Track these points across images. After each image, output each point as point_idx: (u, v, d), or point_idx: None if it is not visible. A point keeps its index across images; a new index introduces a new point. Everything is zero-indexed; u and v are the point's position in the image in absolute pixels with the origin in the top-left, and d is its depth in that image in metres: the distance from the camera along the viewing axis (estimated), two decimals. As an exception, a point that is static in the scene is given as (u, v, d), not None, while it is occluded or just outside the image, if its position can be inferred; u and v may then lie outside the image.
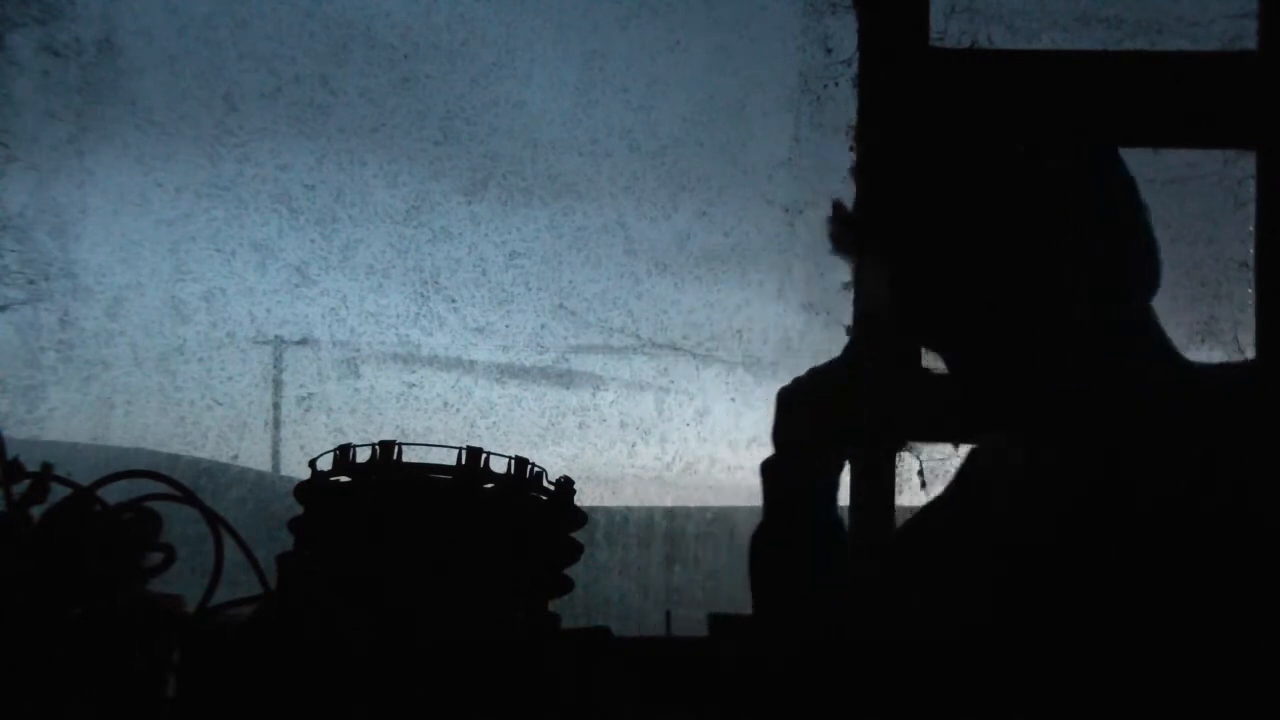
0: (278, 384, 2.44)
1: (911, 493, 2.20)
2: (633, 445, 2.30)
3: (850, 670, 1.37)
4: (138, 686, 1.49)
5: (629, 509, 2.32)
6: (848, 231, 1.44)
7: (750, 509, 1.56)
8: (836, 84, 2.23)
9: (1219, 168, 2.19)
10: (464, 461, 1.41)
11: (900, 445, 2.19)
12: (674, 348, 2.32)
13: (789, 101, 2.21)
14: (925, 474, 2.20)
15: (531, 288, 2.34)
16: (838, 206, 1.44)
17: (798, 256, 2.23)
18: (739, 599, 2.26)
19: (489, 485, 1.42)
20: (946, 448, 2.20)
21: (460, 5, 2.32)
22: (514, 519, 1.42)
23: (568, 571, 1.47)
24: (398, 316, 2.33)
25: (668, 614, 2.02)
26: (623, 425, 2.30)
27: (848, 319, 2.20)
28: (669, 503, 2.32)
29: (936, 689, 1.31)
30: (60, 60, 2.34)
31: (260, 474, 2.41)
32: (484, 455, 1.42)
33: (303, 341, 2.37)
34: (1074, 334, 1.31)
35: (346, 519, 1.42)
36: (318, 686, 1.35)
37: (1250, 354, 2.17)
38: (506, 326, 2.34)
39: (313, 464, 1.45)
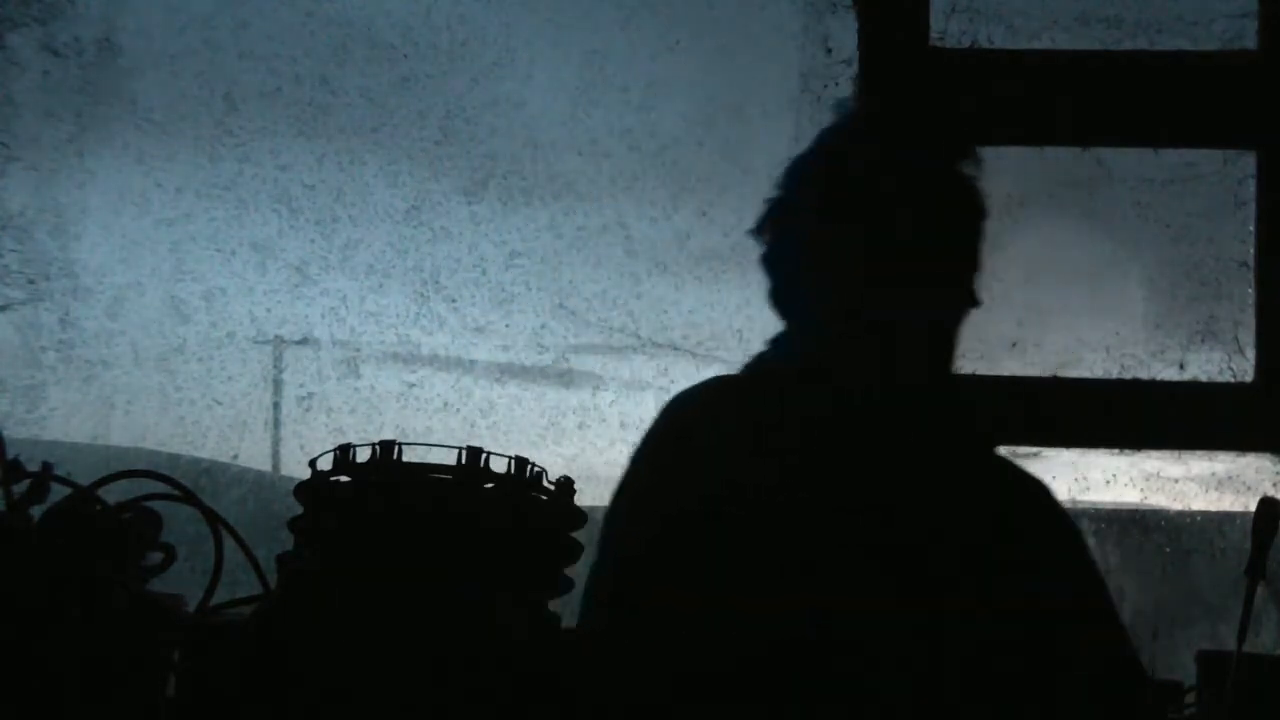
0: (278, 384, 2.44)
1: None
2: (633, 445, 2.29)
3: None
4: (138, 686, 1.49)
5: (629, 509, 2.32)
6: None
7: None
8: (836, 84, 2.23)
9: (1219, 168, 2.19)
10: (464, 461, 1.41)
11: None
12: (674, 348, 2.31)
13: (789, 101, 2.21)
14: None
15: (531, 288, 2.34)
16: None
17: (798, 256, 2.23)
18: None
19: (489, 485, 1.42)
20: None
21: (460, 5, 2.32)
22: (514, 519, 1.42)
23: (568, 571, 1.47)
24: (398, 316, 2.33)
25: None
26: (623, 425, 2.30)
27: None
28: (668, 503, 2.32)
29: None
30: (60, 60, 2.34)
31: (260, 474, 2.41)
32: (484, 455, 1.42)
33: (303, 341, 2.37)
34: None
35: (346, 519, 1.42)
36: (317, 686, 1.35)
37: (1250, 354, 2.17)
38: (506, 326, 2.34)
39: (313, 464, 1.44)
